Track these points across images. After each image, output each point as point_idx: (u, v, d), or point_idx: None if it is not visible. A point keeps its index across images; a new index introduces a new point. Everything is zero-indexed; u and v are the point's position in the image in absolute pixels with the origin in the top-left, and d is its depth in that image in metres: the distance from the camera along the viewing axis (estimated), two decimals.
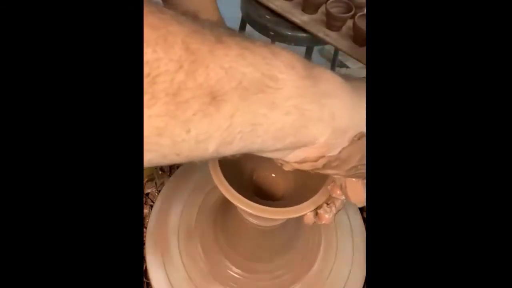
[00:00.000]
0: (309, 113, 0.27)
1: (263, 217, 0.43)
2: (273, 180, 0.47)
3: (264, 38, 1.08)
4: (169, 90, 0.22)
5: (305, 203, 0.37)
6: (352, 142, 0.32)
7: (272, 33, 1.04)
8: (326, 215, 0.38)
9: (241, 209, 0.44)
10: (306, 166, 0.32)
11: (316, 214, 0.38)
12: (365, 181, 0.35)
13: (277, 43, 1.21)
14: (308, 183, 0.41)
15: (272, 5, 1.04)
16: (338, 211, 0.38)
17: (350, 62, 1.74)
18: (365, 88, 0.31)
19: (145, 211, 0.55)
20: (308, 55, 1.09)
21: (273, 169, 0.46)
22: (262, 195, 0.46)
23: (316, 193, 0.37)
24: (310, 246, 0.50)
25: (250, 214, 0.43)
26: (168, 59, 0.22)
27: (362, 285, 0.49)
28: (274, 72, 0.25)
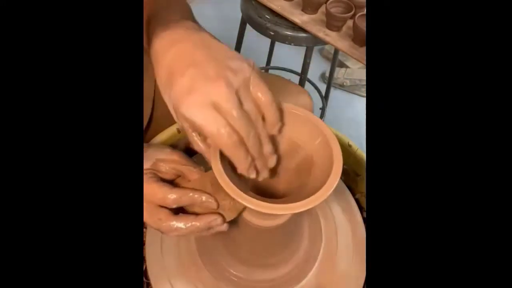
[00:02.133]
0: None
1: (261, 215, 0.43)
2: (273, 180, 0.47)
3: (264, 38, 1.08)
4: None
5: (302, 202, 0.37)
6: None
7: (272, 33, 1.04)
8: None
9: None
10: None
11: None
12: None
13: (277, 43, 1.21)
14: (309, 183, 0.41)
15: (272, 5, 1.04)
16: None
17: (350, 62, 1.74)
18: None
19: None
20: (308, 55, 1.09)
21: (274, 168, 0.46)
22: (262, 194, 0.46)
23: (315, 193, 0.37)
24: (310, 246, 0.50)
25: (250, 212, 0.43)
26: None
27: (362, 285, 0.49)
28: None
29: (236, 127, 0.36)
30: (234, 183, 0.37)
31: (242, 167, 0.38)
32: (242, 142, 0.37)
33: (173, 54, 0.39)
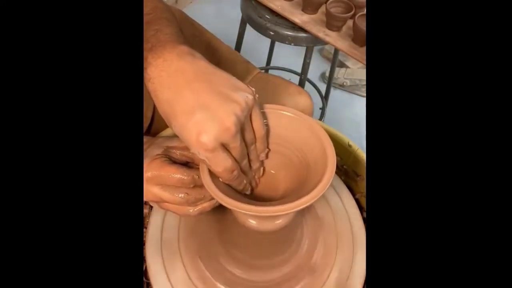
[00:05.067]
0: None
1: (261, 219, 0.43)
2: (273, 177, 0.47)
3: (264, 38, 1.08)
4: None
5: (293, 203, 0.37)
6: None
7: (272, 33, 1.04)
8: None
9: (236, 211, 0.44)
10: None
11: None
12: None
13: (277, 43, 1.21)
14: (305, 184, 0.41)
15: (272, 5, 1.04)
16: None
17: (350, 62, 1.74)
18: None
19: (145, 211, 0.55)
20: (308, 55, 1.09)
21: (273, 165, 0.47)
22: (261, 194, 0.47)
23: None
24: (310, 248, 0.50)
25: (249, 216, 0.43)
26: None
27: (362, 285, 0.49)
28: None
29: (236, 157, 0.40)
30: (227, 192, 0.39)
31: (238, 189, 0.43)
32: (239, 173, 0.41)
33: (173, 92, 0.39)
